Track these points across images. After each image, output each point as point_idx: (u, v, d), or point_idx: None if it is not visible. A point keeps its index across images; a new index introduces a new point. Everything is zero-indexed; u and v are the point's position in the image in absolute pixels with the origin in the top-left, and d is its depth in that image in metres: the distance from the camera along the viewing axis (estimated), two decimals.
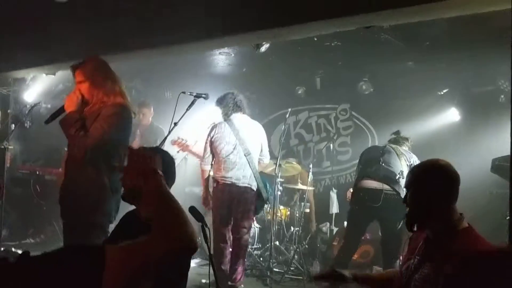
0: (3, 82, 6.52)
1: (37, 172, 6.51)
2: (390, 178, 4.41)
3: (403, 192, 4.33)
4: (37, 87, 6.86)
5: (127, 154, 2.91)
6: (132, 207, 2.45)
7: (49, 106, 7.09)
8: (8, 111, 6.77)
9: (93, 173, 3.03)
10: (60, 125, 3.13)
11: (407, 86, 6.13)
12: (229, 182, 4.54)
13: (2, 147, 5.91)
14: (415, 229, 2.05)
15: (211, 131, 4.76)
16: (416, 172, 2.11)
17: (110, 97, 3.11)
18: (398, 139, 4.83)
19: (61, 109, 3.16)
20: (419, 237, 2.07)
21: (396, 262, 4.42)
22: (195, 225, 2.50)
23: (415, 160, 4.62)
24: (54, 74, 6.19)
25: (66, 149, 3.25)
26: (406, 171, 4.51)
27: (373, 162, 4.59)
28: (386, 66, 5.99)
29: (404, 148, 4.74)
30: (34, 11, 4.54)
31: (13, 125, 6.29)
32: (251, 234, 6.16)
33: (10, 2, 4.46)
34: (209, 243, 2.47)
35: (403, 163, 4.54)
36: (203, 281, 4.90)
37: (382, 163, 4.51)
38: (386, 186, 4.37)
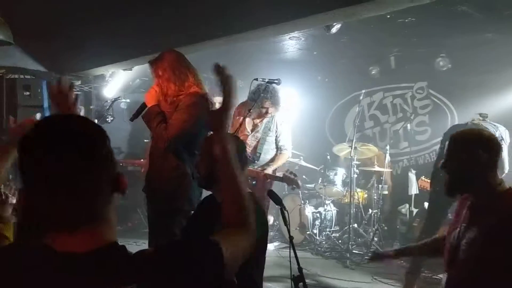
0: (85, 80, 6.92)
1: (121, 164, 6.86)
2: None
3: None
4: (116, 82, 7.20)
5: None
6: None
7: (128, 100, 7.43)
8: (91, 107, 7.18)
9: (175, 162, 3.15)
10: (143, 120, 3.27)
11: (487, 60, 5.76)
12: None
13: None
14: (455, 195, 2.12)
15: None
16: (456, 139, 2.11)
17: (187, 88, 3.19)
18: (482, 115, 4.60)
19: (143, 105, 3.29)
20: (463, 205, 2.10)
21: None
22: (273, 208, 2.56)
23: (503, 130, 4.38)
24: (131, 69, 6.49)
25: (148, 140, 3.40)
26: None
27: None
28: (464, 40, 5.67)
29: (488, 122, 4.50)
30: (109, 8, 4.75)
31: (96, 120, 6.66)
32: (328, 217, 6.18)
33: (85, 3, 4.68)
34: (288, 226, 2.50)
35: None
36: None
37: None
38: None
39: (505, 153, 4.03)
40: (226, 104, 1.46)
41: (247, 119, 4.83)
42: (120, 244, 1.08)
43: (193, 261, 1.09)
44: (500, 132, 4.38)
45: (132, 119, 3.38)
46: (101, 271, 1.00)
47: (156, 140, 3.21)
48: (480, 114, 4.69)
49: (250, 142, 4.84)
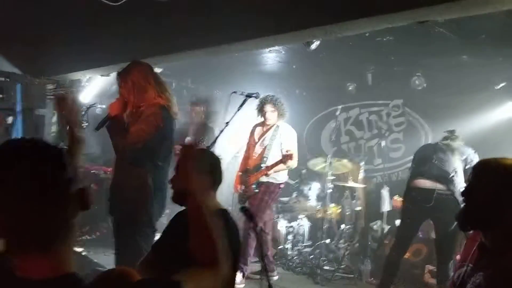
0: (61, 84, 6.79)
1: (93, 171, 6.74)
2: (443, 177, 4.31)
3: (458, 191, 4.20)
4: (93, 88, 7.09)
5: (175, 155, 2.97)
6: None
7: (104, 106, 7.31)
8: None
9: (135, 172, 3.17)
10: (107, 130, 3.29)
11: (462, 81, 5.91)
12: None
13: (60, 147, 6.15)
14: (468, 229, 1.95)
15: None
16: (485, 168, 1.90)
17: (149, 99, 3.24)
18: (453, 138, 4.70)
19: (107, 116, 3.30)
20: (473, 243, 1.92)
21: (450, 263, 4.30)
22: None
23: (470, 154, 4.48)
24: (108, 75, 6.40)
25: None
26: (460, 168, 4.39)
27: (426, 161, 4.49)
28: (440, 61, 5.80)
29: (458, 143, 4.60)
30: (88, 14, 4.69)
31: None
32: (301, 232, 6.20)
33: (64, 6, 4.62)
34: (261, 244, 2.49)
35: (457, 158, 4.42)
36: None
37: (435, 161, 4.42)
38: (439, 185, 4.27)
39: None
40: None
41: (257, 129, 5.33)
42: (77, 275, 1.06)
43: None
44: (469, 154, 4.48)
45: (97, 129, 3.35)
46: None
47: (121, 151, 3.22)
48: (448, 132, 4.79)
49: (257, 150, 5.23)
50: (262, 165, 5.09)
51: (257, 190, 5.05)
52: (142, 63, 3.42)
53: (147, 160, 3.18)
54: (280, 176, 5.15)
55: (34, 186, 1.00)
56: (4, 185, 1.00)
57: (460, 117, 5.76)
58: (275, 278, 5.16)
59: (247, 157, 5.36)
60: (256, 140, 5.30)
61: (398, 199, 5.22)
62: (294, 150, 5.03)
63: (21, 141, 1.12)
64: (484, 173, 1.87)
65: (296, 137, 5.28)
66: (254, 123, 5.40)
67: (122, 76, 3.30)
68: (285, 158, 4.86)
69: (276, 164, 4.95)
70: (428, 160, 4.48)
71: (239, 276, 4.80)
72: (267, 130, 5.23)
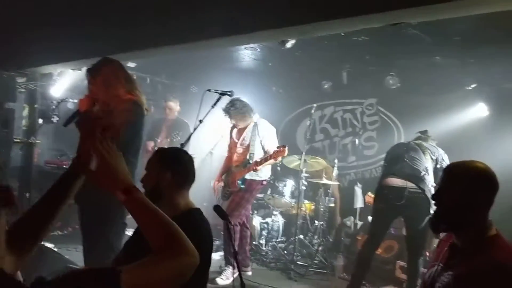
0: (31, 77, 6.66)
1: (64, 166, 6.63)
2: (414, 176, 4.39)
3: (428, 189, 4.30)
4: (64, 82, 6.97)
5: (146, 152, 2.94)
6: None
7: (75, 101, 7.20)
8: (35, 106, 6.91)
9: None
10: (76, 126, 3.24)
11: (435, 81, 6.04)
12: None
13: (30, 141, 6.05)
14: (440, 231, 1.98)
15: None
16: (456, 171, 1.95)
17: (121, 95, 3.26)
18: (425, 138, 4.81)
19: (76, 112, 3.27)
20: (444, 243, 1.99)
21: (420, 260, 4.40)
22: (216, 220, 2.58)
23: (441, 154, 4.59)
24: (80, 69, 6.30)
25: None
26: (430, 167, 4.49)
27: (397, 160, 4.58)
28: (414, 61, 5.89)
29: (429, 143, 4.71)
30: (60, 7, 4.62)
31: (41, 120, 6.41)
32: (275, 228, 6.25)
33: None
34: (233, 241, 2.51)
35: (428, 157, 4.52)
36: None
37: (406, 160, 4.50)
38: (410, 184, 4.35)
39: None
40: None
41: (234, 130, 5.40)
42: (6, 272, 1.04)
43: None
44: (440, 153, 4.58)
45: (65, 125, 3.31)
46: None
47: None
48: (421, 132, 4.89)
49: (238, 149, 5.30)
50: (250, 161, 5.13)
51: (243, 186, 5.12)
52: (112, 60, 3.41)
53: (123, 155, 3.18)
54: (263, 172, 5.21)
55: None
56: None
57: (432, 116, 5.87)
58: (249, 273, 5.21)
59: (229, 157, 5.46)
60: (236, 140, 5.36)
61: (371, 195, 5.30)
62: (273, 146, 5.09)
63: None
64: (454, 176, 1.91)
65: (275, 132, 5.35)
66: (231, 125, 5.46)
67: (92, 73, 3.30)
68: (277, 153, 4.91)
69: (266, 159, 5.01)
70: (400, 159, 4.56)
71: (228, 272, 4.93)
72: (244, 129, 5.29)
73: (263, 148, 5.19)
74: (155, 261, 1.20)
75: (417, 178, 4.37)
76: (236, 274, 4.67)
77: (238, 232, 5.12)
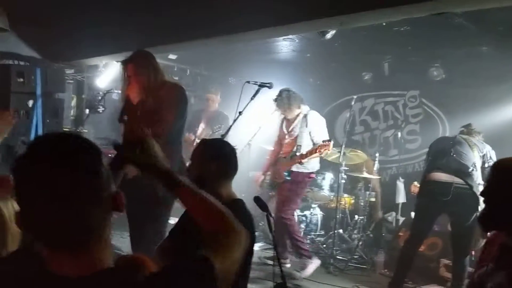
0: (78, 69, 6.86)
1: (110, 155, 6.79)
2: (461, 171, 4.23)
3: (476, 186, 4.14)
4: (109, 73, 7.14)
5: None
6: None
7: (119, 91, 7.37)
8: (83, 96, 7.12)
9: (171, 151, 3.22)
10: (126, 116, 3.46)
11: (481, 73, 5.80)
12: None
13: (78, 131, 6.23)
14: (490, 230, 1.92)
15: None
16: (505, 168, 1.88)
17: (166, 82, 3.48)
18: (469, 131, 4.62)
19: (127, 104, 3.45)
20: (494, 242, 1.91)
21: (467, 259, 4.26)
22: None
23: (489, 151, 4.40)
24: None
25: None
26: (479, 163, 4.32)
27: (443, 154, 4.41)
28: (459, 51, 5.70)
29: (476, 139, 4.53)
30: (105, 1, 4.72)
31: (88, 110, 6.61)
32: (314, 221, 6.21)
33: None
34: (273, 233, 2.50)
35: (476, 154, 4.34)
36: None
37: (453, 155, 4.34)
38: (457, 179, 4.19)
39: None
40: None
41: (284, 121, 5.37)
42: (112, 270, 1.06)
43: (185, 285, 1.07)
44: (487, 150, 4.41)
45: (120, 120, 3.52)
46: None
47: (154, 132, 3.22)
48: (464, 126, 4.71)
49: (287, 141, 5.28)
50: (297, 154, 5.08)
51: (288, 178, 5.07)
52: (146, 51, 3.61)
53: (176, 139, 3.40)
54: (311, 165, 5.13)
55: (71, 185, 0.99)
56: (40, 183, 0.98)
57: (478, 109, 5.68)
58: (288, 265, 5.20)
59: (277, 148, 5.45)
60: (285, 131, 5.33)
61: (417, 185, 5.06)
62: (321, 138, 5.02)
63: (61, 136, 1.09)
64: (504, 173, 1.85)
65: (325, 125, 5.26)
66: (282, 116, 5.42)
67: (134, 64, 3.41)
68: (322, 147, 4.86)
69: (311, 152, 4.95)
70: (446, 153, 4.40)
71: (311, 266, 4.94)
72: (293, 120, 5.24)
73: (312, 140, 5.11)
74: (229, 241, 1.23)
75: (465, 174, 4.21)
76: (314, 265, 4.87)
77: (291, 226, 5.07)
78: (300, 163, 5.03)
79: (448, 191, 4.17)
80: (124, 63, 3.48)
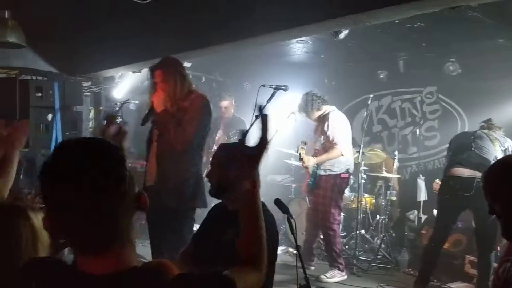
0: (95, 81, 6.96)
1: (129, 164, 6.85)
2: (483, 165, 4.14)
3: None
4: (125, 84, 7.23)
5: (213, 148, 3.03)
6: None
7: (137, 101, 7.45)
8: (100, 108, 7.22)
9: (190, 163, 3.31)
10: (153, 123, 3.40)
11: (499, 66, 5.71)
12: None
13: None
14: None
15: None
16: (500, 175, 1.82)
17: (192, 92, 3.40)
18: (490, 126, 4.55)
19: (151, 110, 3.37)
20: None
21: (492, 255, 4.19)
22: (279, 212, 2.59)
23: (511, 145, 4.33)
24: (140, 71, 6.52)
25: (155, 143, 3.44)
26: (500, 157, 4.24)
27: (464, 149, 4.34)
28: (475, 45, 5.62)
29: (498, 133, 4.46)
30: (119, 12, 4.78)
31: (105, 122, 6.68)
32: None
33: (96, 4, 4.72)
34: (295, 235, 2.49)
35: (497, 148, 4.27)
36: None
37: (474, 149, 4.27)
38: (479, 174, 4.10)
39: None
40: (262, 142, 1.38)
41: (316, 125, 5.27)
42: (138, 269, 1.08)
43: None
44: (510, 144, 4.33)
45: (143, 124, 3.47)
46: None
47: (174, 143, 3.25)
48: (484, 122, 4.63)
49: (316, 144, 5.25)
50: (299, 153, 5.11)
51: (311, 183, 5.09)
52: (175, 58, 3.53)
53: (196, 151, 3.35)
54: (335, 166, 5.01)
55: (97, 190, 1.01)
56: (66, 188, 1.01)
57: (496, 102, 5.61)
58: (312, 268, 5.17)
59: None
60: (315, 135, 5.30)
61: (439, 182, 4.97)
62: (340, 137, 4.97)
63: (86, 141, 1.11)
64: (505, 177, 1.79)
65: (345, 123, 5.17)
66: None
67: (163, 71, 3.34)
68: (327, 147, 4.89)
69: (320, 154, 5.01)
70: (467, 148, 4.33)
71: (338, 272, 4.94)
72: (320, 122, 5.18)
73: (329, 141, 5.00)
74: (252, 271, 1.26)
75: (487, 168, 4.13)
76: (341, 278, 4.89)
77: (334, 237, 5.04)
78: (304, 165, 5.09)
79: (470, 186, 4.11)
80: (152, 69, 3.42)
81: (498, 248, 4.54)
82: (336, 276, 4.92)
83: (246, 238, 1.33)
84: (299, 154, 5.09)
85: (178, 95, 3.31)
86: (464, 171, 4.22)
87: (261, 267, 1.29)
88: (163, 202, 3.18)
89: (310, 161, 5.06)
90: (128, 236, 1.09)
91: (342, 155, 4.98)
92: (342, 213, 6.10)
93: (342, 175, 5.05)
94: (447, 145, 4.79)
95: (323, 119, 5.11)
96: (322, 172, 5.03)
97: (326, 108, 5.15)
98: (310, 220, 5.29)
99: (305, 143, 5.11)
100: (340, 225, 5.74)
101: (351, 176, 5.99)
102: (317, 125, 5.25)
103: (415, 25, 5.04)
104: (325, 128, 5.01)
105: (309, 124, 5.52)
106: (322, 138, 5.10)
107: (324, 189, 5.01)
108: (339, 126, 5.06)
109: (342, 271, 4.97)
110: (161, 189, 3.29)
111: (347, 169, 5.10)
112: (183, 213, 3.28)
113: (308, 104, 5.10)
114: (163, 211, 3.22)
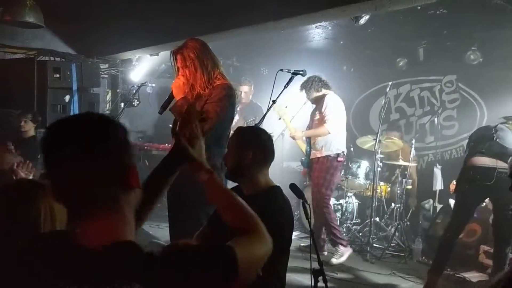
0: (112, 63, 6.99)
1: (145, 148, 6.93)
2: (505, 154, 4.07)
3: None
4: (142, 67, 7.25)
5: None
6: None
7: (154, 85, 7.49)
8: (118, 90, 7.26)
9: (206, 154, 3.15)
10: (172, 112, 3.17)
11: None
12: None
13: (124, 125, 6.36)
14: None
15: None
16: None
17: (215, 79, 3.13)
18: (509, 120, 4.46)
19: (170, 97, 3.22)
20: None
21: (508, 248, 4.14)
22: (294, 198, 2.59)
23: None
24: (157, 54, 6.53)
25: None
26: None
27: (486, 139, 4.24)
28: (497, 34, 5.51)
29: None
30: None
31: (122, 104, 6.73)
32: (350, 209, 6.17)
33: None
34: (309, 220, 2.49)
35: None
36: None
37: (496, 139, 4.19)
38: (500, 163, 4.01)
39: None
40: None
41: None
42: (134, 243, 1.09)
43: (201, 266, 1.09)
44: None
45: (161, 112, 3.30)
46: (107, 268, 1.03)
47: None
48: (505, 118, 4.54)
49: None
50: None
51: (304, 161, 5.39)
52: (200, 40, 3.26)
53: (215, 143, 3.05)
54: (332, 148, 5.15)
55: (85, 159, 1.08)
56: (59, 157, 1.09)
57: None
58: (325, 253, 5.22)
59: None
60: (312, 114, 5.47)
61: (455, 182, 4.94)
62: (331, 117, 5.08)
63: (77, 116, 1.22)
64: None
65: (340, 105, 5.27)
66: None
67: (184, 55, 3.11)
68: (318, 124, 5.09)
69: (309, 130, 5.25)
70: (488, 138, 4.24)
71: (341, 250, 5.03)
72: (318, 103, 5.33)
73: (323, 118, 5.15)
74: (253, 239, 1.27)
75: (509, 158, 4.07)
76: (347, 253, 4.96)
77: (327, 213, 5.14)
78: (290, 135, 5.45)
79: (491, 175, 4.03)
80: (173, 53, 3.18)
81: None
82: (343, 253, 4.99)
83: (232, 219, 1.37)
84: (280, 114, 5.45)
85: (199, 82, 3.09)
86: (485, 160, 4.13)
87: (261, 236, 1.28)
88: (180, 194, 3.16)
89: (297, 133, 5.40)
90: (120, 208, 1.12)
91: (329, 133, 5.09)
92: (357, 200, 6.15)
93: (339, 158, 5.21)
94: (466, 135, 4.73)
95: (320, 99, 5.24)
96: (318, 154, 5.20)
97: (325, 91, 5.28)
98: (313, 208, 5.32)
99: (286, 107, 5.47)
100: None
101: (368, 164, 5.98)
102: (315, 106, 5.39)
103: (437, 12, 4.95)
104: (322, 108, 5.16)
105: None
106: (317, 115, 5.26)
107: (320, 171, 5.16)
108: (333, 107, 5.17)
109: (345, 246, 5.05)
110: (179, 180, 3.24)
111: (342, 151, 5.25)
112: (197, 206, 3.03)
113: (309, 83, 5.26)
114: (182, 203, 3.18)
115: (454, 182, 4.93)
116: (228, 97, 3.09)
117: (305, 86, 5.30)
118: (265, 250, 1.27)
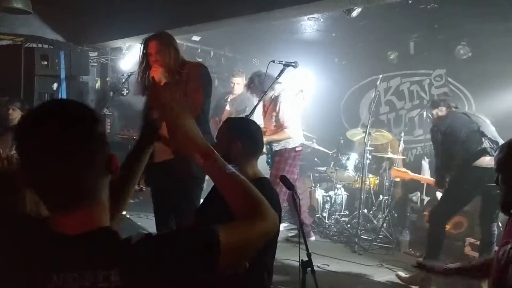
0: (102, 51, 6.91)
1: (134, 137, 6.88)
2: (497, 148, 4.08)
3: None
4: (132, 55, 7.17)
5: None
6: None
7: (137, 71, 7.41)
8: (107, 79, 7.19)
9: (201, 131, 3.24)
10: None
11: (509, 48, 5.63)
12: None
13: (103, 113, 6.30)
14: None
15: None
16: None
17: (187, 62, 3.38)
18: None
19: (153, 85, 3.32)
20: None
21: (494, 224, 4.19)
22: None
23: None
24: None
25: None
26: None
27: (480, 135, 4.21)
28: (487, 28, 5.55)
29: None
30: None
31: (112, 93, 6.67)
32: (338, 201, 6.20)
33: None
34: (299, 212, 2.50)
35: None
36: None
37: (487, 135, 4.18)
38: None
39: None
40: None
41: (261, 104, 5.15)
42: (112, 229, 1.10)
43: (177, 250, 1.06)
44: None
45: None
46: (85, 254, 1.03)
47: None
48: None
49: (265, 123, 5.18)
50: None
51: (269, 161, 5.20)
52: (169, 33, 3.50)
53: (205, 119, 3.33)
54: (291, 141, 5.11)
55: (64, 147, 1.04)
56: (36, 145, 1.04)
57: (506, 87, 5.54)
58: (312, 238, 5.36)
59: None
60: (266, 113, 5.27)
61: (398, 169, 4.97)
62: (290, 120, 5.02)
63: (56, 101, 1.17)
64: None
65: (292, 102, 5.22)
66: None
67: (159, 42, 3.30)
68: (277, 127, 5.00)
69: (269, 133, 5.05)
70: (482, 134, 4.21)
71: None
72: (272, 102, 5.14)
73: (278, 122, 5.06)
74: (247, 223, 1.20)
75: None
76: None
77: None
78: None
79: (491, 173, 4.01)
80: (146, 40, 3.37)
81: (500, 224, 4.46)
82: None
83: (232, 199, 1.26)
84: None
85: (174, 66, 3.29)
86: (490, 161, 4.02)
87: (263, 215, 1.22)
88: (172, 174, 3.18)
89: None
90: (99, 196, 1.11)
91: (290, 138, 5.07)
92: (345, 192, 6.18)
93: (297, 148, 5.18)
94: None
95: (275, 99, 5.09)
96: (277, 148, 5.12)
97: (278, 88, 5.04)
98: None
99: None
100: (343, 204, 5.76)
101: (357, 156, 6.01)
102: (267, 103, 5.19)
103: (429, 6, 4.97)
104: (277, 109, 5.03)
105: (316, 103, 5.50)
106: (273, 118, 5.12)
107: (278, 162, 5.11)
108: (289, 109, 5.08)
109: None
110: (171, 162, 3.29)
111: (300, 142, 5.27)
112: (192, 180, 3.27)
113: (262, 83, 4.89)
114: (172, 182, 3.27)
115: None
116: (206, 75, 3.34)
117: (258, 86, 4.97)
118: (262, 234, 1.22)
